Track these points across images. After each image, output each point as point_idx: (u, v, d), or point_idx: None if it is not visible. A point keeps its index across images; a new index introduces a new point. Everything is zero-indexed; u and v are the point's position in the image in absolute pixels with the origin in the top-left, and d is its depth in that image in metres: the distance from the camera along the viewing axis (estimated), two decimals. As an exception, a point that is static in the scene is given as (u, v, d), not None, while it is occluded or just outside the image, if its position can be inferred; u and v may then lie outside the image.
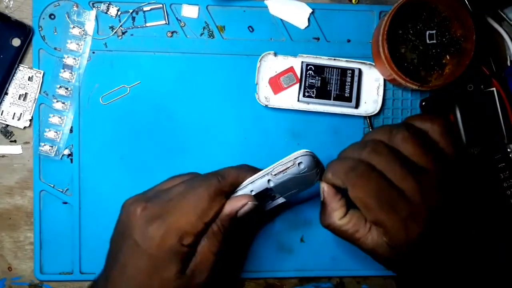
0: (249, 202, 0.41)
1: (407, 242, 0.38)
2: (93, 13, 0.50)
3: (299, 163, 0.40)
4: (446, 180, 0.39)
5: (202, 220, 0.40)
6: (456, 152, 0.40)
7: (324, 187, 0.41)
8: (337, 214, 0.41)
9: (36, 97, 0.50)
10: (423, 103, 0.52)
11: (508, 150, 0.51)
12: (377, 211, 0.38)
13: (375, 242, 0.40)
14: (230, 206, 0.41)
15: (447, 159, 0.40)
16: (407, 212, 0.37)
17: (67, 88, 0.50)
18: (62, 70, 0.50)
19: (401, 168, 0.38)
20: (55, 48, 0.50)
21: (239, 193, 0.42)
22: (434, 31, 0.48)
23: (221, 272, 0.42)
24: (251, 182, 0.42)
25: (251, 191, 0.42)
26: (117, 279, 0.40)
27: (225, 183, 0.41)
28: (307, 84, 0.51)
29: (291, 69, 0.51)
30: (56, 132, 0.50)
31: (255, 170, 0.43)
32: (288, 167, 0.40)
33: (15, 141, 0.51)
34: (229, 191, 0.42)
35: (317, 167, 0.41)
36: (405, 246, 0.38)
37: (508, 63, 0.53)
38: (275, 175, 0.41)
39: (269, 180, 0.41)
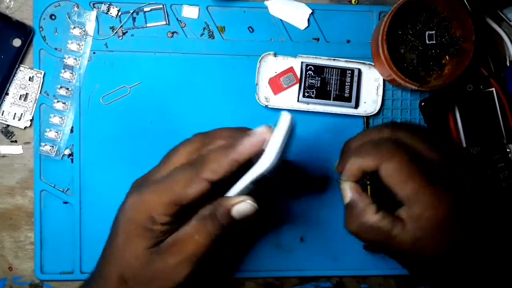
0: (248, 202, 0.38)
1: (443, 216, 0.37)
2: (93, 13, 0.50)
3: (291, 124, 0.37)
4: (464, 159, 0.40)
5: (176, 203, 0.37)
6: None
7: (348, 185, 0.40)
8: (371, 210, 0.39)
9: (37, 97, 0.50)
10: (423, 104, 0.52)
11: (507, 150, 0.52)
12: (417, 182, 0.37)
13: (416, 232, 0.37)
14: (225, 200, 0.39)
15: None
16: (445, 180, 0.37)
17: (67, 88, 0.50)
18: (63, 71, 0.50)
19: (425, 141, 0.38)
20: (55, 49, 0.50)
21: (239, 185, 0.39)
22: (433, 32, 0.48)
23: (209, 267, 0.40)
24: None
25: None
26: (106, 247, 0.41)
27: (204, 168, 0.37)
28: (307, 85, 0.51)
29: (291, 69, 0.51)
30: (56, 132, 0.50)
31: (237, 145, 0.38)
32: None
33: (15, 141, 0.51)
34: (211, 177, 0.37)
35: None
36: (440, 221, 0.37)
37: (507, 63, 0.53)
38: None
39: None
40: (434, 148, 0.39)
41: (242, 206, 0.38)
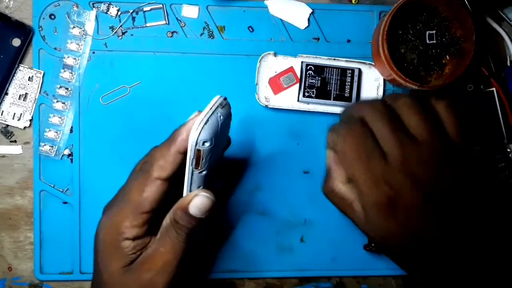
0: (201, 194, 0.38)
1: (376, 203, 0.36)
2: (93, 13, 0.50)
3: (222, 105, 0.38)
4: (441, 157, 0.37)
5: (139, 211, 0.38)
6: (461, 134, 0.38)
7: (330, 153, 0.41)
8: (340, 179, 0.40)
9: (36, 97, 0.50)
10: (423, 103, 0.52)
11: (508, 150, 0.51)
12: (353, 164, 0.37)
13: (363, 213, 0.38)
14: (180, 201, 0.38)
15: (448, 136, 0.38)
16: (380, 172, 0.36)
17: (67, 88, 0.50)
18: (62, 70, 0.50)
19: (391, 131, 0.37)
20: (55, 48, 0.50)
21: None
22: (434, 31, 0.48)
23: (186, 273, 0.40)
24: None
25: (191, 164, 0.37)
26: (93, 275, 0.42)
27: (152, 169, 0.38)
28: (307, 84, 0.51)
29: (291, 69, 0.51)
30: (56, 132, 0.50)
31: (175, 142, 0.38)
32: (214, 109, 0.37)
33: (15, 141, 0.51)
34: (161, 174, 0.38)
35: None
36: (374, 207, 0.37)
37: (508, 63, 0.53)
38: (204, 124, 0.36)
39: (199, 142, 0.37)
40: (397, 141, 0.37)
41: (197, 201, 0.38)
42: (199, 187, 0.39)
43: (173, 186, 0.39)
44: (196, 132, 0.36)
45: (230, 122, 0.40)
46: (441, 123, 0.38)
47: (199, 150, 0.37)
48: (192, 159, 0.37)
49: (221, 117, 0.38)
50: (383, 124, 0.37)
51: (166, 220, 0.38)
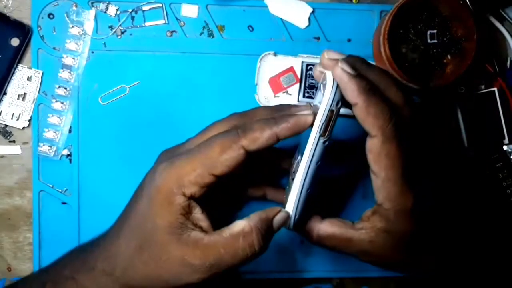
0: (282, 212, 0.36)
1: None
2: (92, 12, 0.50)
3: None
4: (415, 123, 0.37)
5: (209, 171, 0.35)
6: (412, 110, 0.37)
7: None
8: (317, 220, 0.38)
9: (35, 97, 0.50)
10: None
11: (509, 150, 0.51)
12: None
13: (376, 226, 0.36)
14: (266, 211, 0.37)
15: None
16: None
17: (66, 88, 0.50)
18: (61, 70, 0.49)
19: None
20: (54, 48, 0.50)
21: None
22: (435, 31, 0.48)
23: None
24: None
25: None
26: (126, 210, 0.38)
27: (243, 135, 0.35)
28: (307, 85, 0.50)
29: (291, 69, 0.51)
30: (55, 132, 0.50)
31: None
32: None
33: (14, 141, 0.51)
34: (248, 145, 0.35)
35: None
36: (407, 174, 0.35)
37: (508, 64, 0.53)
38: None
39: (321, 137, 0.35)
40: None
41: (277, 218, 0.37)
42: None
43: (237, 177, 0.36)
44: (332, 91, 0.34)
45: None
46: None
47: (332, 111, 0.35)
48: (323, 123, 0.35)
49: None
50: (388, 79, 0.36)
51: (244, 226, 0.36)
